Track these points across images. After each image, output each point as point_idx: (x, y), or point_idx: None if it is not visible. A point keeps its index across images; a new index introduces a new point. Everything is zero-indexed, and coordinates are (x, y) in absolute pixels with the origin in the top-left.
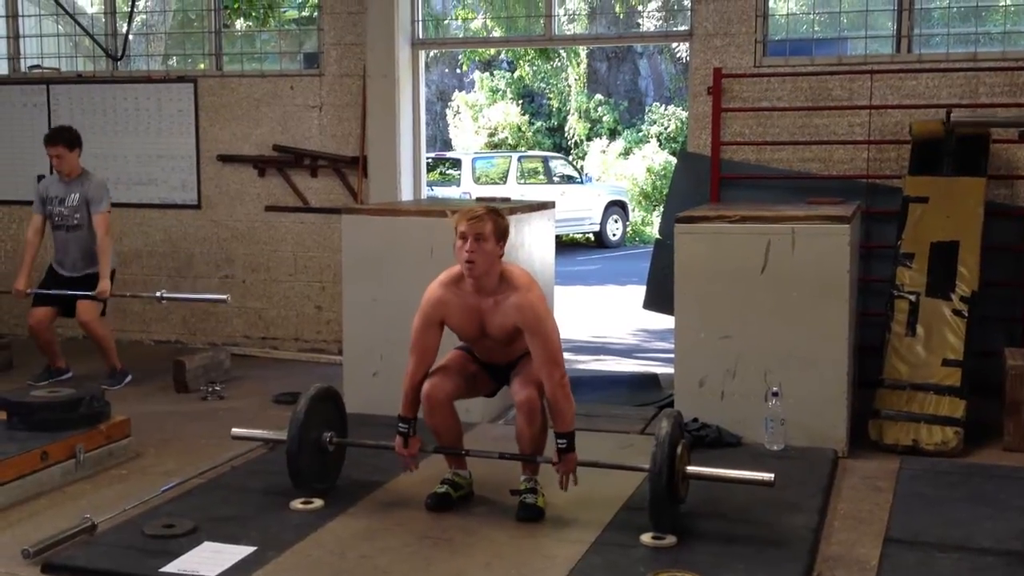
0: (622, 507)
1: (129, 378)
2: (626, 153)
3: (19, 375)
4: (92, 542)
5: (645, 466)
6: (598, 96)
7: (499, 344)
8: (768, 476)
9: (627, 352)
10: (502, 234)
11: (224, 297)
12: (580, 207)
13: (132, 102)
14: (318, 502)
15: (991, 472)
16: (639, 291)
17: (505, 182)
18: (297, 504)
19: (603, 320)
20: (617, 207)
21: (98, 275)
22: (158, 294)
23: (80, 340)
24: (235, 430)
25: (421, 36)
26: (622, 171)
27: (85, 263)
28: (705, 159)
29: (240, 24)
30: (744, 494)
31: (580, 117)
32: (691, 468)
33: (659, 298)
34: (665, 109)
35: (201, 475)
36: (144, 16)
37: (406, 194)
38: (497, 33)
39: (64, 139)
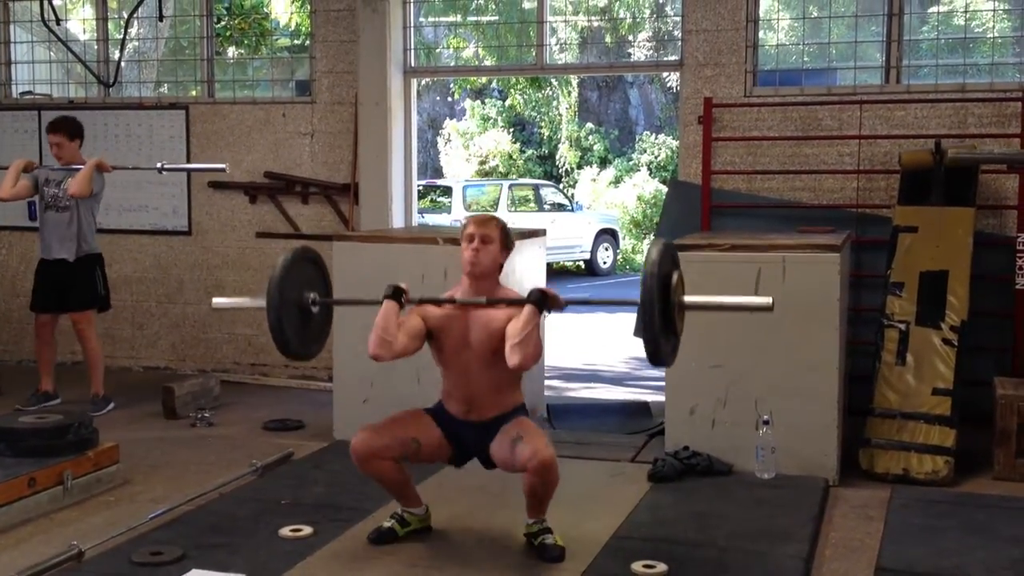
0: (613, 535)
1: (111, 405)
2: (616, 181)
3: (7, 401)
4: (79, 570)
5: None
6: (589, 125)
7: (479, 363)
8: (766, 300)
9: (618, 380)
10: (507, 244)
11: (223, 166)
12: (571, 235)
13: (124, 128)
14: (308, 529)
15: (982, 501)
16: (630, 319)
17: (496, 209)
18: (286, 532)
19: (594, 348)
20: (607, 235)
21: (85, 263)
22: (158, 165)
23: (69, 366)
24: (216, 300)
25: (413, 64)
26: (612, 199)
27: (74, 245)
28: (696, 187)
29: (232, 51)
30: (736, 523)
31: (571, 145)
32: (688, 298)
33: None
34: (655, 138)
35: (190, 502)
36: (136, 43)
37: (397, 221)
38: (488, 62)
39: (65, 128)
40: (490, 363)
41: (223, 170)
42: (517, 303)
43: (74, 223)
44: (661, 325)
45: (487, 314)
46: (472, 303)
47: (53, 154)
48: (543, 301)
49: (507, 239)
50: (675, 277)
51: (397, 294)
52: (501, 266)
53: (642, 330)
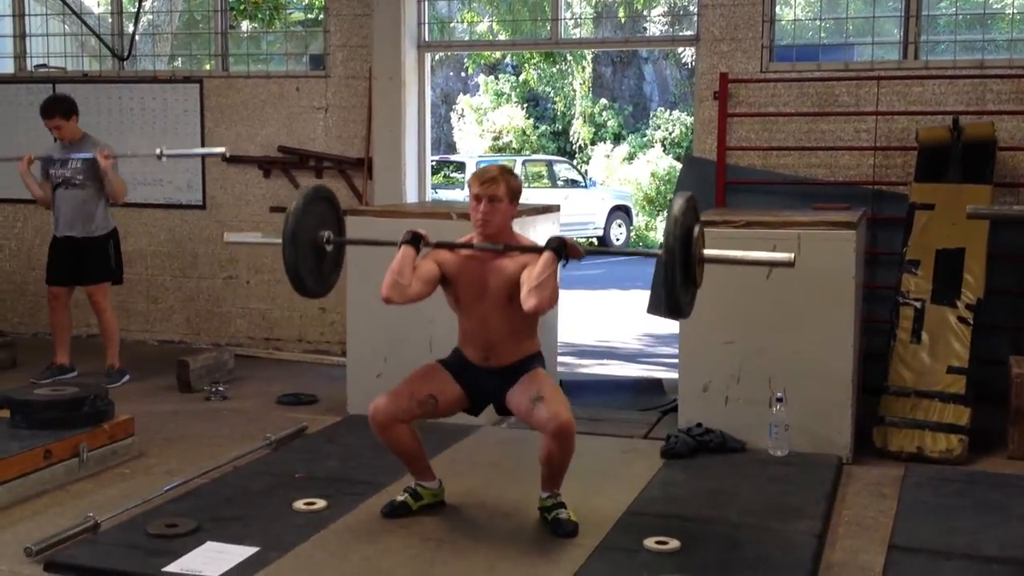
0: (626, 511)
1: (127, 377)
2: (630, 158)
3: (23, 373)
4: (94, 541)
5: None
6: (603, 100)
7: (496, 310)
8: (788, 256)
9: (631, 357)
10: (515, 195)
11: (222, 150)
12: (584, 211)
13: (138, 102)
14: (321, 503)
15: (996, 480)
16: (643, 296)
17: None
18: (300, 505)
19: (607, 324)
20: (621, 212)
21: (99, 241)
22: (157, 151)
23: (84, 339)
24: (228, 235)
25: (427, 39)
26: (626, 176)
27: (85, 223)
28: (711, 164)
29: (246, 25)
30: (749, 500)
31: (585, 121)
32: (708, 251)
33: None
34: (670, 114)
35: (204, 475)
36: (150, 16)
37: (411, 196)
38: (503, 37)
39: (60, 110)
40: (507, 310)
41: (223, 154)
42: (534, 250)
43: (86, 200)
44: (682, 276)
45: (503, 260)
46: (489, 248)
47: (56, 136)
48: (561, 249)
49: (514, 191)
50: (697, 230)
51: (415, 240)
52: (513, 217)
53: (663, 280)
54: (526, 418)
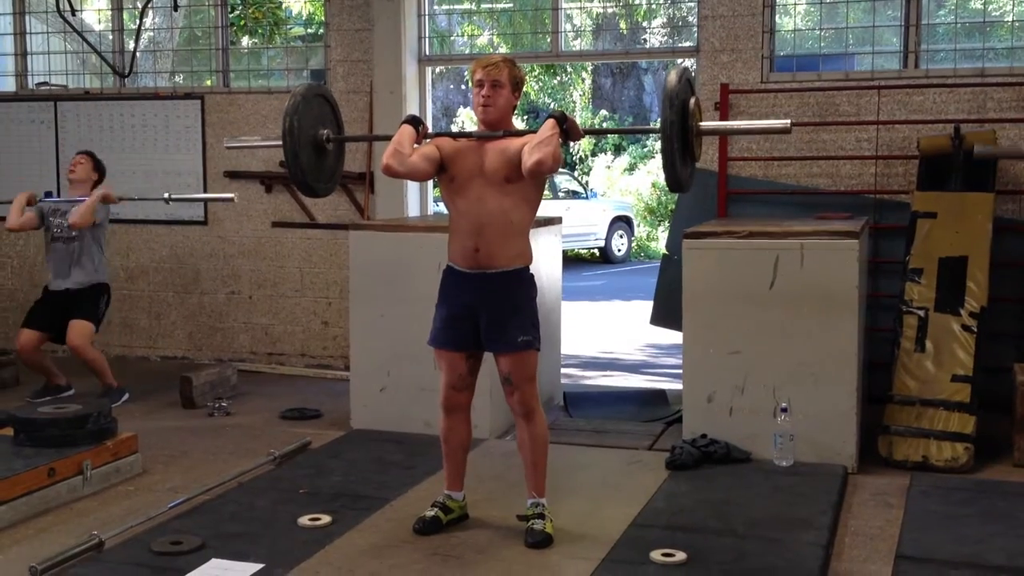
0: (631, 524)
1: (126, 396)
2: (631, 168)
3: (25, 392)
4: (99, 559)
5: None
6: (603, 112)
7: (492, 188)
8: (784, 123)
9: (635, 368)
10: (517, 84)
11: (231, 196)
12: (585, 222)
13: (139, 119)
14: (326, 518)
15: (1002, 488)
16: (645, 307)
17: None
18: (305, 520)
19: (610, 336)
20: (622, 222)
21: (92, 291)
22: (165, 195)
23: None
24: (228, 141)
25: (427, 53)
26: (627, 186)
27: (81, 275)
28: (712, 174)
29: (247, 41)
30: (754, 511)
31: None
32: (705, 124)
33: (666, 314)
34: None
35: (208, 491)
36: (151, 33)
37: (413, 210)
38: (503, 49)
39: (94, 157)
40: (502, 189)
41: (231, 200)
42: (533, 132)
43: (80, 254)
44: (680, 149)
45: (503, 142)
46: (489, 136)
47: (70, 169)
48: (563, 118)
49: (517, 80)
50: (692, 102)
51: (415, 121)
52: (514, 107)
53: (661, 153)
54: (503, 387)
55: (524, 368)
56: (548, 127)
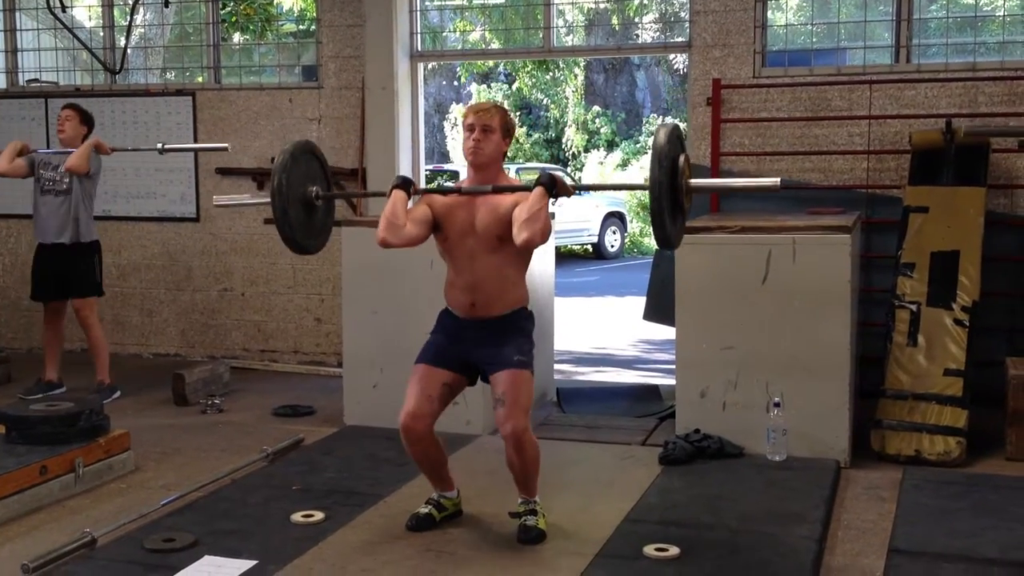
0: (624, 519)
1: (117, 393)
2: (624, 164)
3: (17, 389)
4: (92, 557)
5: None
6: (596, 108)
7: (484, 248)
8: (774, 181)
9: (627, 363)
10: (508, 131)
11: (225, 146)
12: (578, 218)
13: (131, 115)
14: (319, 515)
15: (994, 482)
16: (638, 302)
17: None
18: (298, 517)
19: (603, 331)
20: (615, 218)
21: (87, 250)
22: (159, 145)
23: (77, 353)
24: (217, 198)
25: (420, 49)
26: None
27: (73, 230)
28: (705, 170)
29: (238, 37)
30: (747, 506)
31: (578, 129)
32: (695, 181)
33: (659, 309)
34: (662, 120)
35: (201, 488)
36: (142, 30)
37: None
38: (495, 45)
39: (80, 108)
40: (495, 248)
41: (225, 149)
42: (524, 189)
43: (72, 207)
44: (669, 208)
45: (494, 199)
46: (478, 191)
47: (58, 128)
48: (551, 184)
49: (508, 126)
50: (682, 160)
51: (406, 184)
52: (504, 154)
53: (651, 213)
54: (495, 413)
55: (518, 389)
56: (537, 198)
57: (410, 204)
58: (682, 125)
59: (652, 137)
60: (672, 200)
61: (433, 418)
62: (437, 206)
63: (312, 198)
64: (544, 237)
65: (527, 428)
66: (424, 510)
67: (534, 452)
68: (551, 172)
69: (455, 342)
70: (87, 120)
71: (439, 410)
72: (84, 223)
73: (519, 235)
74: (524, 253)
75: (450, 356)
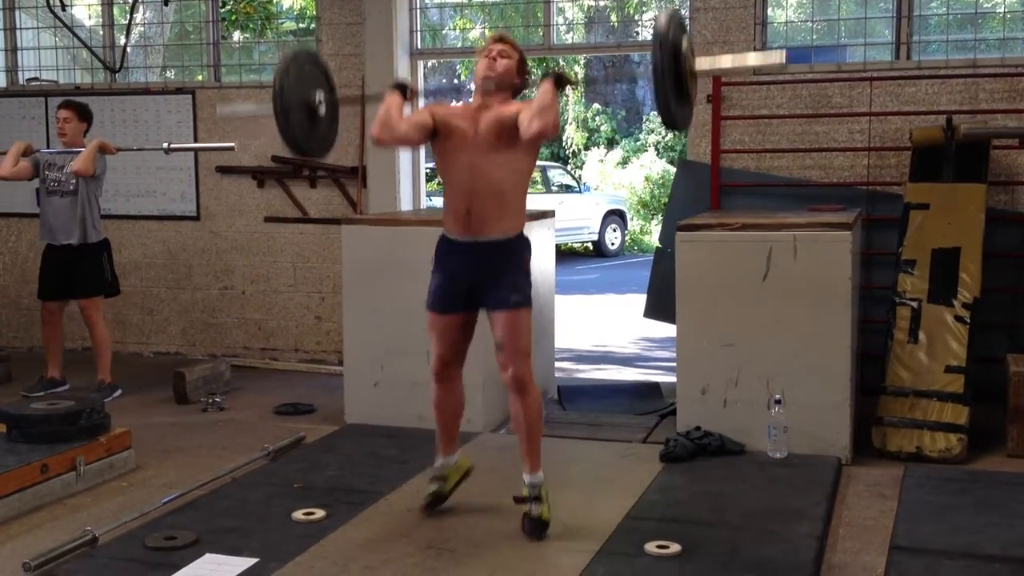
0: (626, 516)
1: (118, 392)
2: (624, 162)
3: (18, 388)
4: (93, 555)
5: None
6: (596, 105)
7: (485, 154)
8: (779, 55)
9: (628, 361)
10: (523, 64)
11: (231, 145)
12: (578, 216)
13: (131, 114)
14: (320, 513)
15: (996, 478)
16: (639, 300)
17: None
18: (299, 515)
19: (604, 329)
20: (615, 216)
21: (95, 250)
22: (164, 145)
23: (79, 352)
24: (221, 109)
25: (419, 46)
26: (620, 180)
27: (79, 230)
28: (705, 167)
29: (238, 36)
30: (749, 503)
31: (578, 126)
32: (700, 62)
33: (660, 307)
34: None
35: (202, 487)
36: (142, 28)
37: (405, 204)
38: None
39: (76, 106)
40: (495, 158)
41: (231, 149)
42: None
43: (79, 207)
44: (675, 92)
45: (498, 108)
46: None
47: (58, 130)
48: (560, 77)
49: (524, 64)
50: (685, 43)
51: (402, 88)
52: (515, 88)
53: (655, 97)
54: (496, 358)
55: (517, 332)
56: (547, 90)
57: (409, 112)
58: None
59: (654, 22)
60: (677, 85)
61: (461, 358)
62: (439, 113)
63: (314, 103)
64: (555, 129)
65: (529, 372)
66: (431, 488)
67: (539, 404)
68: (555, 69)
69: (454, 278)
70: (85, 115)
71: (465, 347)
72: (91, 223)
73: (530, 126)
74: (523, 168)
75: (454, 296)
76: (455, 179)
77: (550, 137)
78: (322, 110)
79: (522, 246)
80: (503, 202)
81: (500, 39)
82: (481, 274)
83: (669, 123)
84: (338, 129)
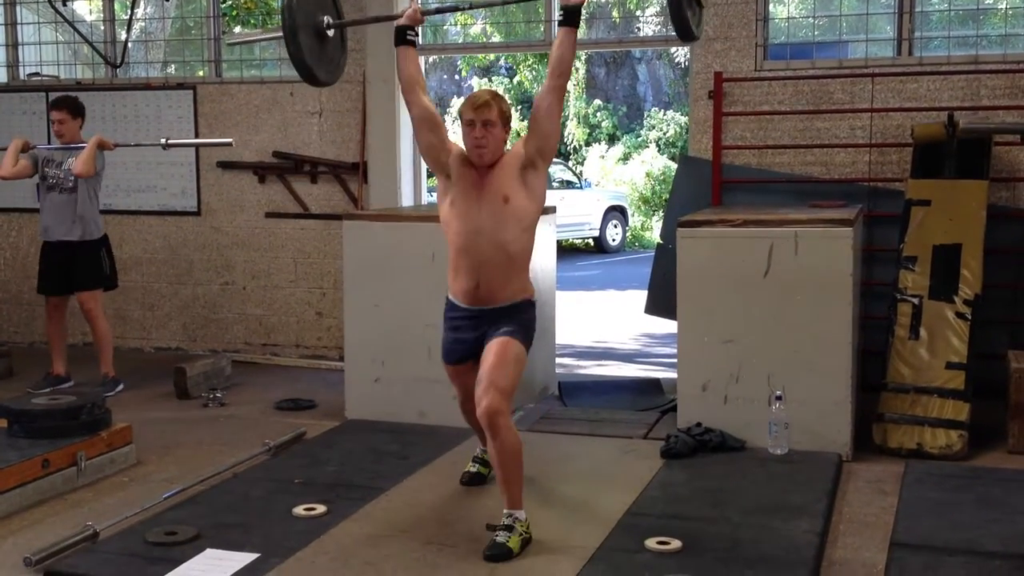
0: (626, 512)
1: (121, 386)
2: (625, 158)
3: (20, 383)
4: (94, 550)
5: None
6: (597, 101)
7: (493, 216)
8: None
9: (629, 357)
10: (507, 119)
11: (229, 141)
12: (580, 212)
13: (131, 109)
14: (321, 508)
15: (997, 475)
16: (640, 296)
17: None
18: (300, 510)
19: (605, 325)
20: (616, 212)
21: (93, 247)
22: (162, 140)
23: (80, 347)
24: (228, 37)
25: (420, 42)
26: (621, 176)
27: (78, 227)
28: (706, 163)
29: (239, 31)
30: (749, 499)
31: (579, 122)
32: None
33: (661, 303)
34: (664, 114)
35: (203, 482)
36: (143, 23)
37: (407, 200)
38: (496, 39)
39: (68, 105)
40: (506, 210)
41: (229, 144)
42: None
43: (78, 204)
44: None
45: (500, 162)
46: (486, 4)
47: (55, 131)
48: (569, 14)
49: (506, 116)
50: None
51: (404, 39)
52: (505, 140)
53: (668, 4)
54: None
55: (500, 360)
56: (566, 33)
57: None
58: (683, 119)
59: None
60: None
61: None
62: (455, 150)
63: (323, 26)
64: (572, 56)
65: (502, 411)
66: (472, 468)
67: (512, 443)
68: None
69: (463, 338)
70: (78, 111)
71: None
72: (91, 220)
73: (555, 68)
74: (532, 221)
75: (464, 348)
76: (463, 246)
77: (570, 64)
78: (330, 33)
79: (529, 309)
80: (511, 268)
81: (479, 105)
82: (487, 327)
83: (684, 32)
84: (347, 58)
